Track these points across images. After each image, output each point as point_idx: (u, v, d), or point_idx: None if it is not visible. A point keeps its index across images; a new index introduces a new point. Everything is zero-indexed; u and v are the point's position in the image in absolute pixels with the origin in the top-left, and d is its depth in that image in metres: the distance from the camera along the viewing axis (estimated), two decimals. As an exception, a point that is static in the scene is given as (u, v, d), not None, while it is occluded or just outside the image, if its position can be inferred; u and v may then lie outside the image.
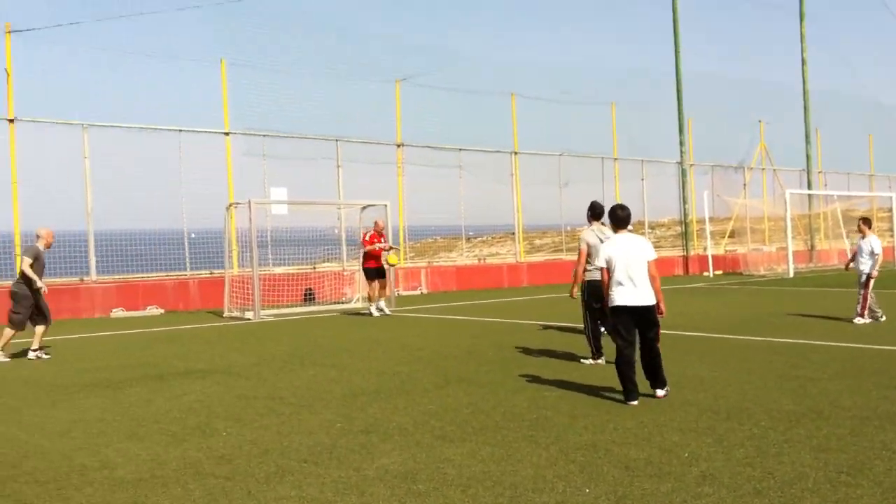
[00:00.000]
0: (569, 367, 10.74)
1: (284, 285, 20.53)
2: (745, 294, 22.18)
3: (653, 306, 8.55)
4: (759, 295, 21.81)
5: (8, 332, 12.44)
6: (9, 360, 12.35)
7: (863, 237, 15.19)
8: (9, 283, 18.32)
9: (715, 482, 5.83)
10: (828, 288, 23.84)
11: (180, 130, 20.88)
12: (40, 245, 12.72)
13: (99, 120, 19.75)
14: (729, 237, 35.00)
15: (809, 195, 36.34)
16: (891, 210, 35.20)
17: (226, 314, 18.01)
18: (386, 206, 20.06)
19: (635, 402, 8.39)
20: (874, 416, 7.67)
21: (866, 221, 15.54)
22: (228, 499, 5.63)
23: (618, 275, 8.54)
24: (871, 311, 14.97)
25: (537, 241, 34.26)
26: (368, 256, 18.03)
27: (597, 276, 10.14)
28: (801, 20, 36.98)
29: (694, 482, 5.83)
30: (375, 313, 17.76)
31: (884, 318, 14.99)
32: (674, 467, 6.19)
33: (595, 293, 10.61)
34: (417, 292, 21.70)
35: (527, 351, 12.16)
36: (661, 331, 8.88)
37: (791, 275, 29.44)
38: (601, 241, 9.91)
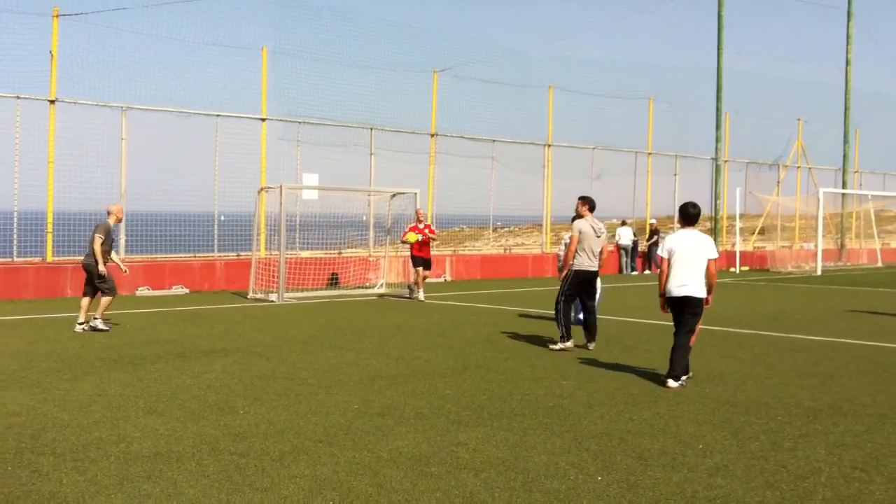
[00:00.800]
0: (586, 356, 10.72)
1: (310, 269, 20.63)
2: (772, 291, 21.99)
3: (701, 299, 8.92)
4: (785, 292, 21.61)
5: (105, 300, 12.91)
6: (109, 328, 12.83)
7: None
8: (38, 259, 18.60)
9: (728, 474, 5.81)
10: (855, 287, 23.56)
11: (218, 115, 21.03)
12: (110, 221, 13.18)
13: (138, 103, 19.95)
14: (759, 234, 34.67)
15: (843, 194, 35.91)
16: (926, 211, 34.70)
17: (250, 296, 18.14)
18: (416, 194, 20.07)
19: (678, 384, 8.78)
20: (892, 414, 7.60)
21: None
22: (242, 475, 5.69)
23: (675, 267, 8.89)
24: None
25: (564, 234, 34.10)
26: (418, 246, 18.35)
27: (584, 265, 11.22)
28: (849, 20, 36.49)
29: (706, 473, 5.82)
30: (421, 297, 18.10)
31: None
32: (687, 458, 6.18)
33: (579, 282, 11.32)
34: (441, 280, 21.75)
35: (546, 340, 12.14)
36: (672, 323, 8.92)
37: (819, 273, 29.14)
38: (594, 231, 11.19)
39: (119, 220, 13.69)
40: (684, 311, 8.94)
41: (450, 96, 26.45)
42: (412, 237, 18.34)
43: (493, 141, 27.06)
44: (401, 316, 15.13)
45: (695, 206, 9.22)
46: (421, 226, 18.50)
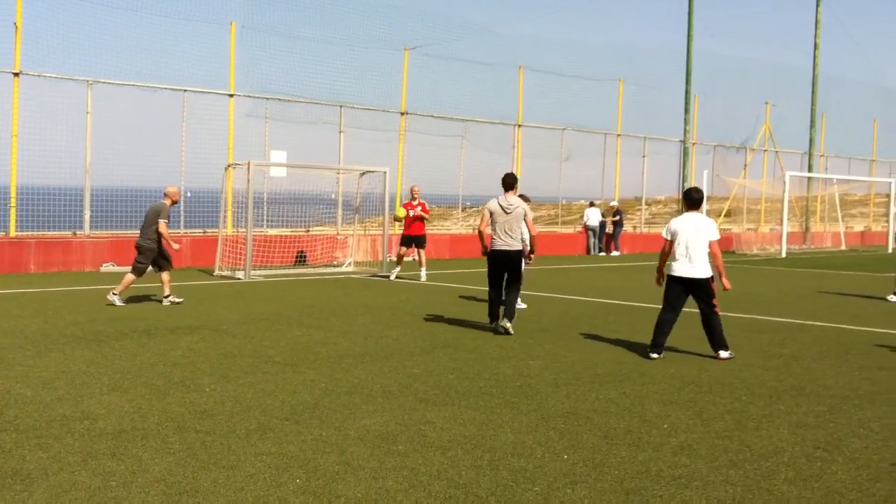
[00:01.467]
0: (556, 336, 10.77)
1: (277, 247, 20.50)
2: (736, 272, 22.19)
3: (706, 279, 9.35)
4: (750, 274, 21.84)
5: (129, 277, 13.13)
6: (124, 304, 12.85)
7: None
8: (1, 233, 18.32)
9: (692, 453, 5.87)
10: (819, 269, 23.86)
11: (185, 90, 20.77)
12: (167, 203, 13.35)
13: (104, 76, 19.63)
14: (725, 216, 34.97)
15: (809, 178, 36.29)
16: (888, 195, 35.18)
17: (216, 273, 18.01)
18: (385, 172, 19.98)
19: (655, 356, 9.35)
20: (854, 396, 7.72)
21: None
22: (208, 453, 5.65)
23: (678, 248, 9.39)
24: None
25: (533, 213, 34.27)
26: (409, 223, 18.11)
27: (496, 244, 11.03)
28: (818, 4, 36.71)
29: (671, 452, 5.87)
30: (423, 277, 17.93)
31: None
32: (653, 437, 6.23)
33: (495, 262, 11.14)
34: (410, 259, 21.64)
35: (516, 320, 12.17)
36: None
37: (784, 255, 29.48)
38: (503, 210, 10.90)
39: (175, 203, 13.71)
40: (693, 292, 9.40)
41: (420, 74, 26.34)
42: (401, 212, 18.20)
43: (464, 120, 27.00)
44: (369, 294, 15.09)
45: (698, 190, 9.62)
46: (415, 202, 18.18)
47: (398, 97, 25.50)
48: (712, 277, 9.41)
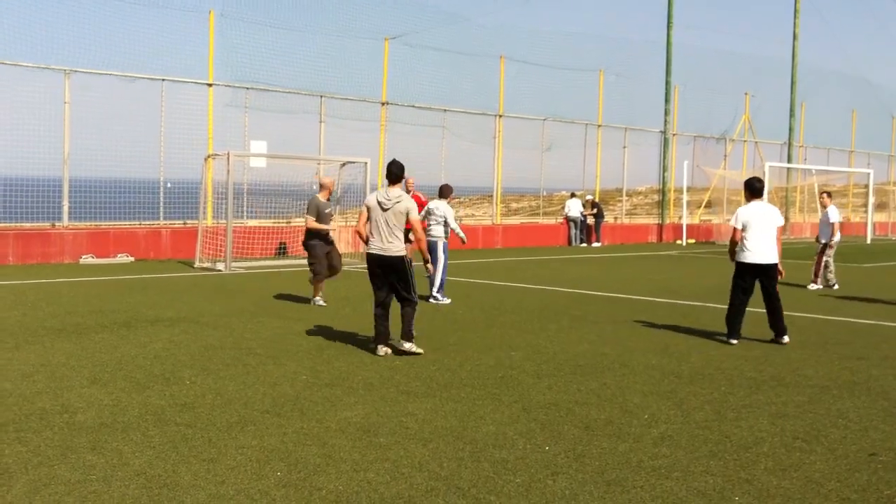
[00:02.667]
0: (538, 328, 10.78)
1: (258, 238, 20.42)
2: (716, 263, 22.31)
3: (775, 265, 9.90)
4: (730, 265, 21.93)
5: (315, 280, 12.74)
6: (325, 304, 12.61)
7: (824, 208, 16.19)
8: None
9: (672, 443, 5.90)
10: (798, 260, 24.00)
11: (163, 79, 20.60)
12: (321, 195, 12.86)
13: (81, 66, 19.45)
14: (705, 207, 35.13)
15: (788, 169, 36.49)
16: (867, 186, 35.44)
17: (197, 264, 17.92)
18: (366, 163, 19.90)
19: (735, 342, 9.80)
20: (833, 386, 7.78)
21: (829, 195, 17.03)
22: (189, 446, 5.63)
23: (750, 237, 9.85)
24: (825, 278, 16.16)
25: (514, 205, 34.26)
26: None
27: (374, 248, 8.98)
28: (797, -6, 36.87)
29: (652, 443, 5.90)
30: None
31: (836, 287, 15.99)
32: (633, 428, 6.26)
33: (372, 270, 10.03)
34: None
35: (497, 311, 12.20)
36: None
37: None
38: (379, 205, 8.98)
39: (331, 193, 13.27)
40: (761, 277, 9.92)
41: (401, 64, 26.24)
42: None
43: (445, 110, 26.94)
44: (350, 286, 15.06)
45: (759, 180, 10.12)
46: (410, 194, 17.81)
47: (379, 87, 25.42)
48: (779, 268, 9.92)
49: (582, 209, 29.16)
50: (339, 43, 25.88)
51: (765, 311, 10.06)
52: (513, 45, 30.26)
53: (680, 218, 32.27)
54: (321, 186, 13.25)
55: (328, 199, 13.06)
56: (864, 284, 16.78)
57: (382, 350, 8.87)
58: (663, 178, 33.11)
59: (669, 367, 8.51)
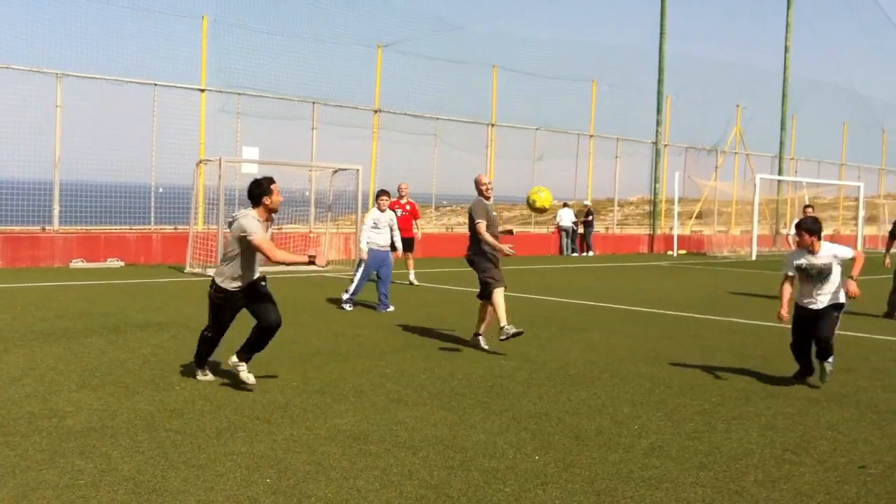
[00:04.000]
0: (528, 337, 10.77)
1: (249, 244, 20.38)
2: (707, 274, 22.38)
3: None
4: (721, 276, 22.00)
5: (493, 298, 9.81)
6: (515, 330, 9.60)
7: None
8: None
9: (663, 454, 5.90)
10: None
11: (155, 84, 20.58)
12: (482, 199, 9.94)
13: (74, 69, 19.41)
14: (696, 218, 35.25)
15: (779, 181, 36.64)
16: (857, 199, 35.59)
17: (187, 270, 17.87)
18: (358, 170, 19.91)
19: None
20: (823, 398, 7.80)
21: (812, 208, 17.06)
22: (178, 451, 5.61)
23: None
24: None
25: (506, 214, 34.28)
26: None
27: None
28: (789, 7, 37.08)
29: (642, 453, 5.90)
30: (412, 280, 16.98)
31: None
32: (623, 438, 6.26)
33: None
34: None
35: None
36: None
37: (753, 258, 29.75)
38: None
39: (486, 196, 9.94)
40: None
41: (394, 72, 26.28)
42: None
43: (437, 118, 26.99)
44: (340, 293, 15.03)
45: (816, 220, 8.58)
46: (403, 201, 17.17)
47: (371, 94, 25.44)
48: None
49: (574, 219, 29.22)
50: (333, 50, 25.91)
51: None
52: (506, 54, 30.37)
53: (671, 229, 32.36)
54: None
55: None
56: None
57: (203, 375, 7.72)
58: (655, 188, 33.19)
59: (660, 376, 8.51)
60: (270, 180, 7.36)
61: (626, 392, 7.78)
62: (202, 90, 21.45)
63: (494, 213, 9.93)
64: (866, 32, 49.38)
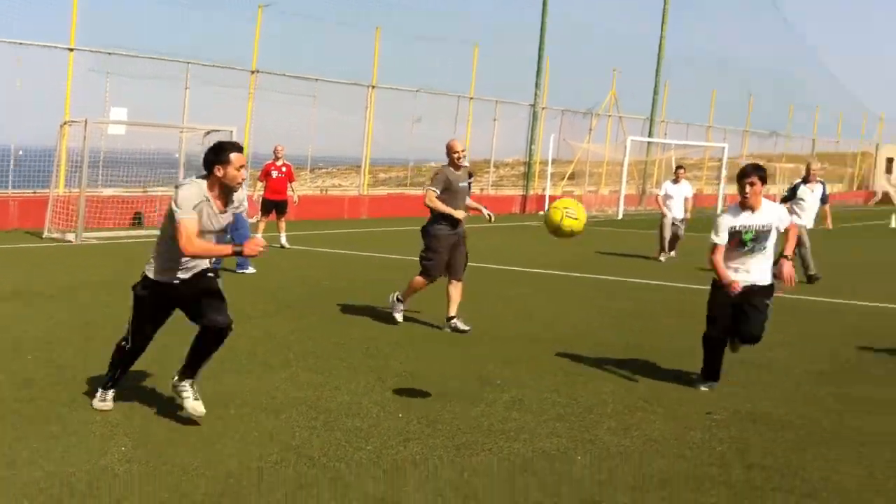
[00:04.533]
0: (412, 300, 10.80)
1: (112, 207, 19.65)
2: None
3: None
4: (589, 235, 22.57)
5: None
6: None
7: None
8: None
9: (522, 407, 6.05)
10: (652, 231, 24.90)
11: (20, 43, 19.51)
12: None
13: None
14: (568, 179, 35.95)
15: (648, 143, 37.68)
16: (720, 160, 37.00)
17: (45, 235, 17.15)
18: (232, 132, 19.38)
19: None
20: (675, 353, 8.11)
21: (683, 169, 17.31)
22: (28, 422, 5.41)
23: None
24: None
25: (382, 175, 34.18)
26: (268, 187, 16.66)
27: None
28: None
29: (503, 407, 6.03)
30: (284, 243, 16.53)
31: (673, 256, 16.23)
32: (486, 394, 6.38)
33: None
34: (253, 220, 21.37)
35: (361, 282, 12.17)
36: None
37: (620, 216, 30.65)
38: None
39: (454, 164, 9.36)
40: None
41: (274, 32, 25.72)
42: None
43: (316, 80, 26.56)
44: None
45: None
46: (279, 163, 16.73)
47: (250, 54, 24.83)
48: None
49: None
50: (209, 8, 25.16)
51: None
52: (387, 16, 30.12)
53: (544, 189, 32.93)
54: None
55: None
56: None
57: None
58: (530, 150, 33.67)
59: (532, 333, 8.69)
60: (233, 147, 5.46)
61: (495, 350, 7.92)
62: (71, 49, 20.46)
63: (465, 183, 9.12)
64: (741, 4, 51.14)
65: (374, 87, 28.11)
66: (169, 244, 5.52)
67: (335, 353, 7.62)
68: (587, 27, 43.80)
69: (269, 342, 7.97)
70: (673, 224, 16.20)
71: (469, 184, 9.24)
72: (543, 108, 34.12)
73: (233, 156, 5.36)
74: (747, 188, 6.53)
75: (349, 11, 29.28)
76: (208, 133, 20.06)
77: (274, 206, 16.79)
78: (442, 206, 8.80)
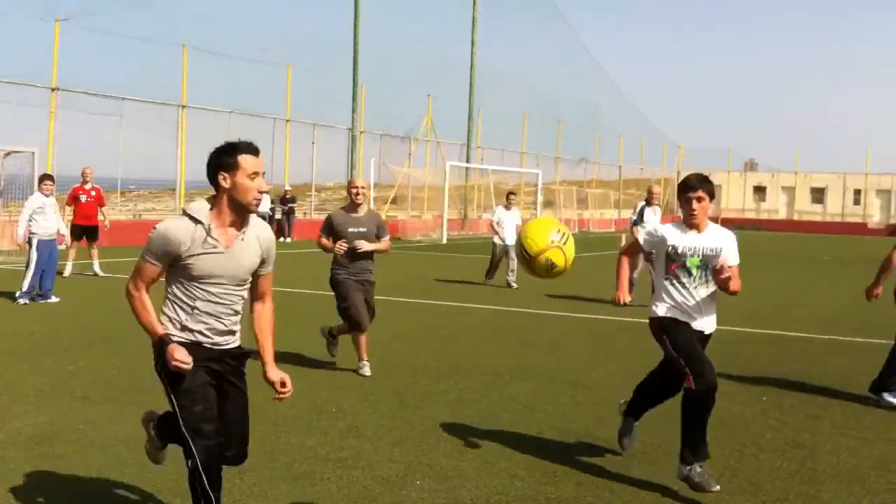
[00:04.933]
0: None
1: None
2: (403, 258, 23.17)
3: None
4: (416, 259, 22.89)
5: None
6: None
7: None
8: None
9: (359, 434, 6.08)
10: (477, 255, 25.57)
11: None
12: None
13: None
14: (391, 203, 36.32)
15: (467, 168, 38.65)
16: (536, 186, 38.43)
17: None
18: (34, 153, 18.43)
19: None
20: (506, 372, 8.39)
21: (514, 194, 17.44)
22: None
23: None
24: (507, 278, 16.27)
25: (198, 198, 33.41)
26: (77, 212, 15.85)
27: None
28: (474, 5, 39.01)
29: (339, 435, 6.04)
30: (97, 270, 15.79)
31: (515, 286, 16.05)
32: (321, 422, 6.37)
33: None
34: (62, 247, 20.37)
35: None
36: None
37: (444, 241, 31.24)
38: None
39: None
40: None
41: (76, 49, 24.64)
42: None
43: (122, 98, 25.62)
44: (13, 286, 13.89)
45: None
46: (87, 186, 15.94)
47: (49, 71, 23.63)
48: None
49: (271, 204, 29.03)
50: (7, 24, 23.80)
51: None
52: (197, 34, 29.48)
53: (367, 214, 33.11)
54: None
55: None
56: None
57: None
58: (351, 174, 33.78)
59: (355, 361, 8.70)
60: (246, 147, 3.95)
61: (324, 378, 7.91)
62: None
63: (360, 229, 8.01)
64: (546, 29, 53.33)
65: (184, 106, 27.46)
66: (175, 295, 4.17)
67: (157, 385, 7.34)
68: (398, 50, 44.60)
69: (88, 375, 7.63)
70: (505, 249, 16.21)
71: (377, 228, 8.18)
72: (362, 132, 34.38)
73: (243, 158, 3.89)
74: (694, 203, 5.09)
75: (156, 27, 28.48)
76: (8, 154, 18.99)
77: (84, 231, 16.00)
78: (325, 243, 8.00)
